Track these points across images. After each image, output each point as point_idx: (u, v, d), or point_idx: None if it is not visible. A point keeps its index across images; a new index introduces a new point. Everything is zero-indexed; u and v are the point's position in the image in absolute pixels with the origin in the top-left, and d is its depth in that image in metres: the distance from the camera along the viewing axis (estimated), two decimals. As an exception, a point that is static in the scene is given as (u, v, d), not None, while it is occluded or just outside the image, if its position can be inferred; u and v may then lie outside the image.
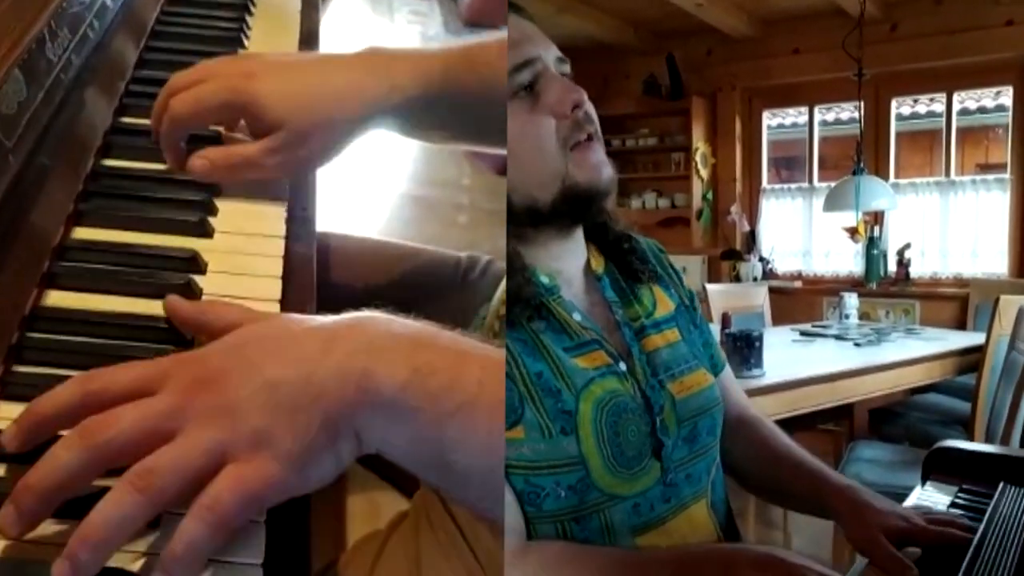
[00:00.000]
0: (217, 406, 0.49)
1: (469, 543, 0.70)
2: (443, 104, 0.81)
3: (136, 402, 0.49)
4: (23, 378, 0.58)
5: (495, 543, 0.67)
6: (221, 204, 0.80)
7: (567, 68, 0.80)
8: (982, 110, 3.99)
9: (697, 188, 4.60)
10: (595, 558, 0.71)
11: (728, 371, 1.00)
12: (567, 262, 0.84)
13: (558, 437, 0.72)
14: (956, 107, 4.01)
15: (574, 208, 0.79)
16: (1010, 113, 3.87)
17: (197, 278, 0.70)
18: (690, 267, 4.44)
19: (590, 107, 0.79)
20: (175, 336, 0.63)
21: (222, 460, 0.48)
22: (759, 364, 1.96)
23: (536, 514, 0.72)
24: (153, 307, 0.65)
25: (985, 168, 4.06)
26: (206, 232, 0.76)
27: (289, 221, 0.80)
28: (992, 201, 3.91)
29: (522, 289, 0.76)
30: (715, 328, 2.20)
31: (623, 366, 0.80)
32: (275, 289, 0.72)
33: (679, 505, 0.80)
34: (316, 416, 0.49)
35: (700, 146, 4.56)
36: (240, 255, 0.75)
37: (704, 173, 4.60)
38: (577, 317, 0.80)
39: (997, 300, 2.35)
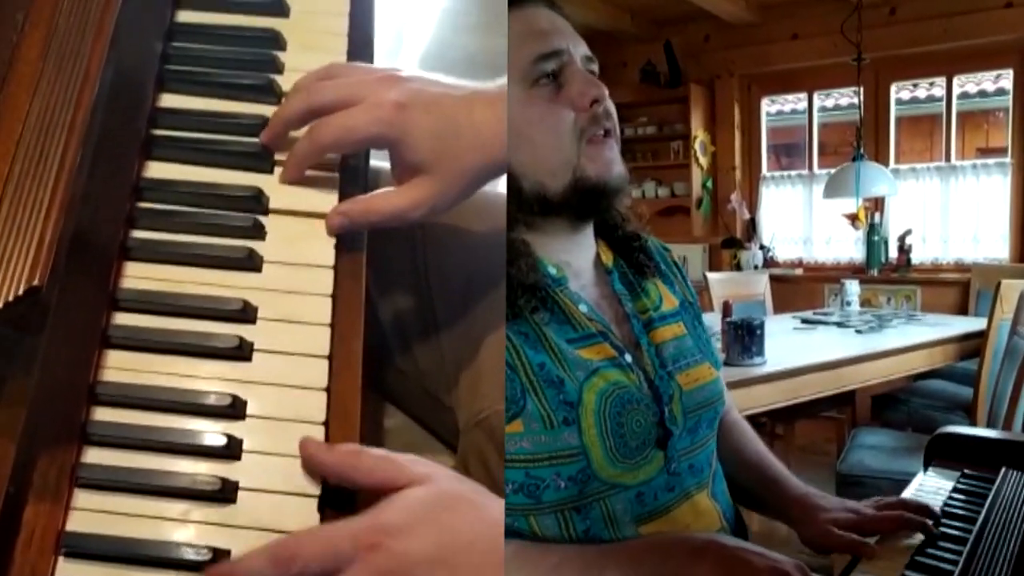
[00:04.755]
0: None
1: None
2: None
3: None
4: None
5: None
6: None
7: (595, 67, 0.81)
8: (982, 94, 3.98)
9: (697, 176, 4.59)
10: (546, 556, 0.72)
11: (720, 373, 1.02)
12: (576, 255, 0.84)
13: (560, 428, 0.73)
14: (956, 91, 3.99)
15: (583, 201, 0.80)
16: (1010, 96, 3.85)
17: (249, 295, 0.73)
18: (691, 256, 4.43)
19: (610, 104, 0.80)
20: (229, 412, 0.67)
21: None
22: (760, 352, 1.96)
23: (534, 505, 0.73)
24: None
25: (986, 152, 4.04)
26: (255, 266, 0.74)
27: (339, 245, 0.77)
28: (993, 185, 3.89)
29: (526, 276, 0.76)
30: (716, 317, 2.20)
31: (629, 358, 0.81)
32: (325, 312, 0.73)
33: (683, 494, 0.81)
34: None
35: (699, 134, 4.54)
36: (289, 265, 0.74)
37: (703, 161, 4.59)
38: (583, 308, 0.81)
39: (998, 285, 2.35)
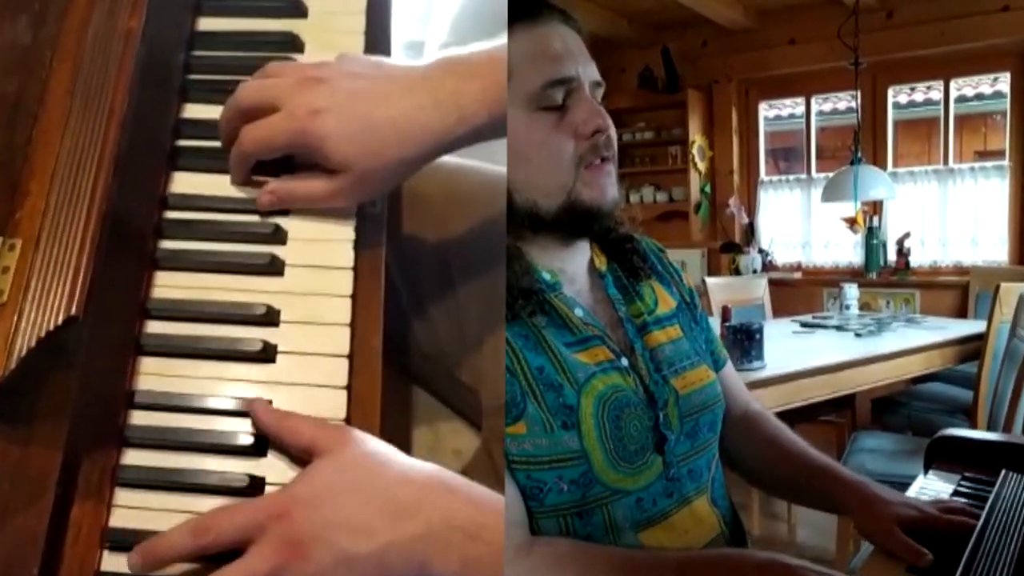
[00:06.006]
0: None
1: None
2: (501, 125, 0.80)
3: (239, 567, 0.61)
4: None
5: None
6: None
7: (600, 93, 0.82)
8: (979, 97, 3.98)
9: (695, 181, 4.59)
10: (601, 557, 0.71)
11: (730, 367, 1.01)
12: (569, 262, 0.85)
13: (559, 432, 0.73)
14: (953, 94, 4.00)
15: (575, 222, 0.80)
16: (1008, 99, 3.86)
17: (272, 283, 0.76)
18: (689, 261, 4.43)
19: (612, 132, 0.80)
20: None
21: None
22: (760, 356, 1.96)
23: (538, 509, 0.73)
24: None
25: (983, 155, 4.05)
26: (277, 271, 0.77)
27: (360, 221, 0.79)
28: (991, 188, 3.90)
29: (520, 279, 0.76)
30: (715, 321, 2.20)
31: (625, 362, 0.81)
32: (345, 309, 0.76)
33: (682, 500, 0.81)
34: None
35: (697, 139, 4.55)
36: (310, 269, 0.78)
37: (702, 166, 4.59)
38: (579, 313, 0.81)
39: (997, 287, 2.34)
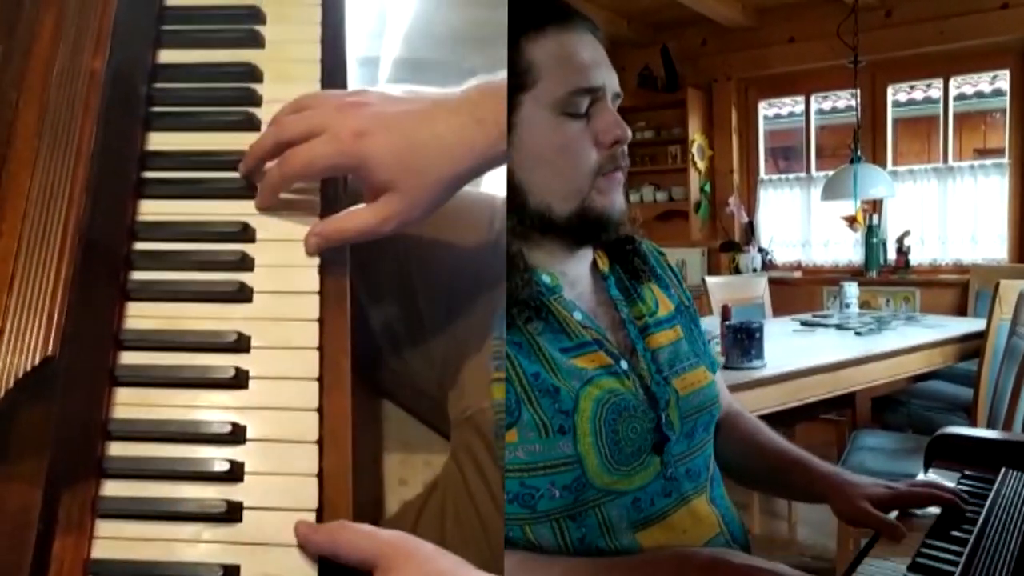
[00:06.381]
0: None
1: (487, 535, 0.74)
2: None
3: None
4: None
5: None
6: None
7: (618, 103, 0.84)
8: (979, 95, 3.99)
9: (695, 180, 4.60)
10: (551, 568, 0.72)
11: (718, 372, 1.03)
12: (572, 265, 0.86)
13: (555, 436, 0.73)
14: (953, 92, 4.00)
15: (585, 228, 0.82)
16: (1007, 97, 3.86)
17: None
18: (689, 260, 4.44)
19: (626, 145, 0.83)
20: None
21: None
22: (760, 355, 1.96)
23: (530, 515, 0.73)
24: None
25: (983, 153, 4.05)
26: (246, 297, 0.78)
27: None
28: (990, 186, 3.90)
29: (521, 291, 0.77)
30: (715, 320, 2.20)
31: (624, 364, 0.81)
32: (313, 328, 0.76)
33: (680, 499, 0.81)
34: None
35: (697, 138, 4.55)
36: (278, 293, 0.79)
37: (701, 165, 4.60)
38: (578, 316, 0.81)
39: (997, 285, 2.35)
